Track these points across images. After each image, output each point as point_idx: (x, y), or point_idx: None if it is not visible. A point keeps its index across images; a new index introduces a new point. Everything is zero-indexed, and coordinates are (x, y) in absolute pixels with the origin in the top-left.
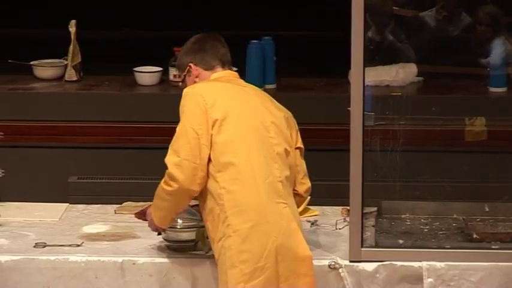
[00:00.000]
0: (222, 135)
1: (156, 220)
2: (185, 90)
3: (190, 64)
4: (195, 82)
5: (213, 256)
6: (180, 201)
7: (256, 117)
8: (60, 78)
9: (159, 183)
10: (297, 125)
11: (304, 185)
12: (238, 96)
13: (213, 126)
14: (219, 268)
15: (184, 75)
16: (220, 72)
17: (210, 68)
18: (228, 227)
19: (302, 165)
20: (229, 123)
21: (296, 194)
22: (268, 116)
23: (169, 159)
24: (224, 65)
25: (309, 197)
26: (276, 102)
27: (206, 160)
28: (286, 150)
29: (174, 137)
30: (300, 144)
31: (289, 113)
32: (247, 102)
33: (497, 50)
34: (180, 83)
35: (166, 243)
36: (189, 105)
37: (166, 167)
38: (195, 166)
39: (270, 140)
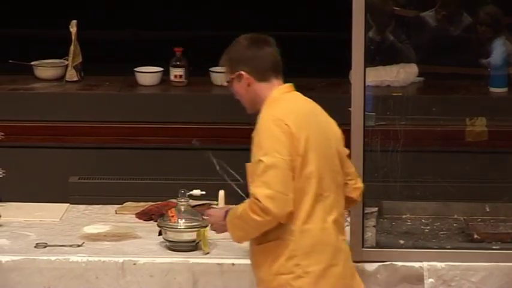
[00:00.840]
0: (304, 170)
1: (235, 237)
2: (265, 116)
3: (242, 73)
4: (246, 90)
5: (214, 257)
6: (266, 228)
7: (329, 146)
8: (61, 78)
9: (159, 183)
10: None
11: (358, 189)
12: (311, 119)
13: (296, 159)
14: None
15: (233, 79)
16: (282, 88)
17: (263, 79)
18: (296, 267)
19: (352, 168)
20: (310, 156)
21: (352, 200)
22: (334, 141)
23: (260, 191)
24: (277, 75)
25: None
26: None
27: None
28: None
29: (262, 168)
30: (347, 150)
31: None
32: (319, 127)
33: (498, 50)
34: (227, 83)
35: (167, 243)
36: (274, 132)
37: (255, 198)
38: (287, 199)
39: (336, 171)
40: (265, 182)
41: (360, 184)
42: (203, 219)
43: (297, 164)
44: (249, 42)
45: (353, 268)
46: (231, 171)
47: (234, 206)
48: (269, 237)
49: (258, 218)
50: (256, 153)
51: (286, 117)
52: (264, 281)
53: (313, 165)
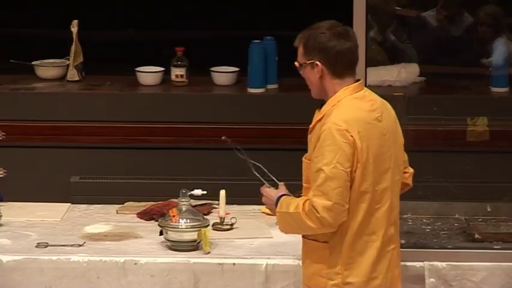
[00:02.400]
0: (362, 182)
1: (281, 228)
2: (331, 126)
3: (318, 63)
4: (317, 80)
5: (215, 257)
6: (315, 233)
7: (388, 157)
8: (62, 78)
9: (160, 182)
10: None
11: (410, 175)
12: (374, 130)
13: (355, 170)
14: None
15: (306, 64)
16: (350, 89)
17: (337, 76)
18: (337, 275)
19: (405, 157)
20: (368, 168)
21: (406, 184)
22: (393, 149)
23: (319, 201)
24: (352, 72)
25: None
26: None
27: None
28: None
29: (323, 178)
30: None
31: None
32: (381, 137)
33: (499, 50)
34: (297, 65)
35: (168, 243)
36: (338, 142)
37: (313, 206)
38: (344, 210)
39: (396, 180)
40: (325, 192)
41: (411, 170)
42: (204, 219)
43: (357, 175)
44: (331, 33)
45: (394, 277)
46: (266, 171)
47: (286, 193)
48: (318, 236)
49: (312, 225)
50: (318, 161)
51: (351, 127)
52: (304, 275)
53: (370, 179)
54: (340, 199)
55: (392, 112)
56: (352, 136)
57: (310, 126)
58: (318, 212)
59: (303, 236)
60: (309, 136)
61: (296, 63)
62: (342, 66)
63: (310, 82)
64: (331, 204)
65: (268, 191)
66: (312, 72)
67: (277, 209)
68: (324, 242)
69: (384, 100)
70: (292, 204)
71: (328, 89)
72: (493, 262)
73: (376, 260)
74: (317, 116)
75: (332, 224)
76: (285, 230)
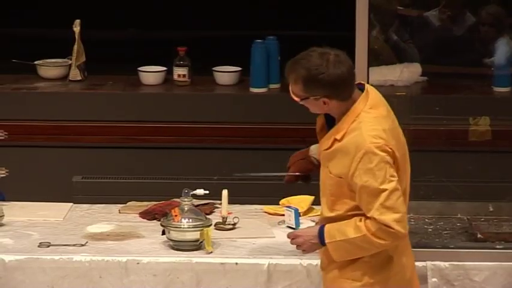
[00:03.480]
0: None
1: (336, 257)
2: (369, 146)
3: (326, 98)
4: (321, 108)
5: (217, 256)
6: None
7: (407, 160)
8: (64, 77)
9: (163, 182)
10: None
11: None
12: (396, 134)
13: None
14: None
15: (307, 98)
16: (363, 99)
17: (346, 98)
18: (363, 276)
19: None
20: (401, 174)
21: None
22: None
23: (389, 217)
24: (354, 87)
25: (313, 197)
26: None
27: None
28: None
29: (386, 195)
30: None
31: None
32: (401, 140)
33: (501, 50)
34: (297, 99)
35: (171, 242)
36: (384, 158)
37: (383, 225)
38: (406, 217)
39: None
40: (391, 207)
41: None
42: (206, 218)
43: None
44: (327, 64)
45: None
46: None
47: (319, 223)
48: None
49: (383, 242)
50: (370, 183)
51: (387, 140)
52: (326, 279)
53: (403, 183)
54: (403, 208)
55: None
56: (391, 148)
57: (326, 145)
58: (391, 228)
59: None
60: (324, 152)
61: (296, 98)
62: (347, 90)
63: (315, 109)
64: (401, 215)
65: (302, 233)
66: (317, 104)
67: (328, 240)
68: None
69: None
70: (349, 230)
71: (337, 109)
72: (496, 262)
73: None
74: (333, 134)
75: (404, 234)
76: (342, 257)
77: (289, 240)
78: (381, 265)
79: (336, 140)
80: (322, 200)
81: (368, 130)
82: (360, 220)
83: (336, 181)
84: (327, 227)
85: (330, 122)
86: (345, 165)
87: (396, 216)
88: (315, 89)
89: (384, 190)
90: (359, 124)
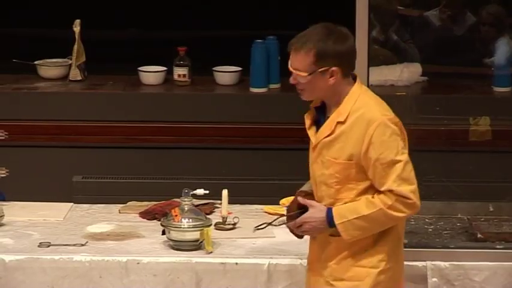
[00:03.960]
0: None
1: (347, 237)
2: (382, 118)
3: (335, 69)
4: (324, 85)
5: (217, 256)
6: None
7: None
8: (65, 77)
9: (163, 182)
10: None
11: None
12: None
13: None
14: None
15: (314, 72)
16: (357, 80)
17: (347, 75)
18: (380, 262)
19: None
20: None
21: None
22: None
23: (405, 188)
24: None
25: None
26: None
27: None
28: None
29: (402, 166)
30: None
31: None
32: None
33: (501, 50)
34: (296, 72)
35: (171, 242)
36: (395, 131)
37: (400, 196)
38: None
39: None
40: (406, 178)
41: None
42: (206, 218)
43: None
44: (336, 37)
45: None
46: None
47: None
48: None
49: (400, 215)
50: (386, 155)
51: (392, 113)
52: (334, 270)
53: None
54: (415, 180)
55: None
56: (399, 121)
57: (327, 132)
58: (409, 199)
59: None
60: (324, 141)
61: (302, 73)
62: (352, 64)
63: (316, 88)
64: (415, 187)
65: (307, 218)
66: (323, 79)
67: (339, 221)
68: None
69: None
70: (361, 207)
71: (340, 89)
72: (496, 262)
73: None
74: (333, 119)
75: (419, 205)
76: (353, 236)
77: (289, 240)
78: (393, 250)
79: (338, 123)
80: (320, 193)
81: (376, 105)
82: (372, 197)
83: (343, 166)
84: (335, 208)
85: (318, 121)
86: (355, 143)
87: (412, 187)
88: (326, 60)
89: (399, 161)
90: (363, 103)
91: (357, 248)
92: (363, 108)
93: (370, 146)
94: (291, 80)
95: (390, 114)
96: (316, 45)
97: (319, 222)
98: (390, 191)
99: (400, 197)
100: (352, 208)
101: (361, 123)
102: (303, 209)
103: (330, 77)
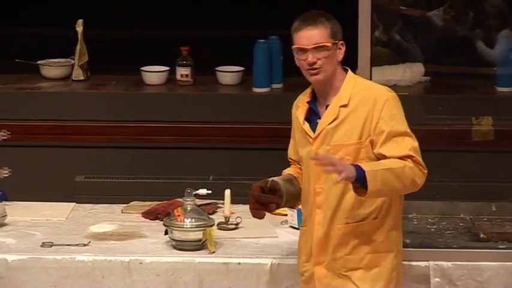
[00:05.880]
0: None
1: (375, 187)
2: (390, 94)
3: (343, 43)
4: (333, 63)
5: (219, 256)
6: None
7: None
8: (67, 77)
9: (165, 182)
10: None
11: None
12: None
13: None
14: None
15: (331, 45)
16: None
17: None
18: (394, 245)
19: None
20: None
21: None
22: None
23: (420, 160)
24: None
25: None
26: None
27: None
28: None
29: (414, 137)
30: None
31: None
32: None
33: (503, 44)
34: (326, 45)
35: (174, 242)
36: (400, 105)
37: (420, 165)
38: None
39: None
40: (417, 150)
41: None
42: (209, 218)
43: None
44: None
45: None
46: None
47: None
48: (369, 215)
49: (418, 181)
50: (398, 127)
51: None
52: (348, 260)
53: None
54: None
55: None
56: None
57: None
58: (425, 169)
59: (347, 223)
60: (328, 127)
61: (328, 43)
62: None
63: (330, 64)
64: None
65: (337, 162)
66: (335, 54)
67: (368, 168)
68: (375, 219)
69: None
70: (387, 162)
71: (337, 71)
72: (498, 262)
73: None
74: (335, 104)
75: (424, 180)
76: (377, 189)
77: (291, 240)
78: (399, 236)
79: (341, 106)
80: (329, 182)
81: (377, 84)
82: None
83: (354, 147)
84: (363, 163)
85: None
86: (363, 122)
87: (420, 159)
88: (337, 34)
89: (409, 134)
90: (364, 85)
91: (368, 235)
92: (369, 88)
93: (380, 120)
94: (310, 58)
95: (393, 92)
96: (329, 21)
97: (350, 166)
98: (409, 156)
99: (419, 165)
100: (378, 163)
101: (367, 103)
102: (265, 195)
103: (339, 49)
